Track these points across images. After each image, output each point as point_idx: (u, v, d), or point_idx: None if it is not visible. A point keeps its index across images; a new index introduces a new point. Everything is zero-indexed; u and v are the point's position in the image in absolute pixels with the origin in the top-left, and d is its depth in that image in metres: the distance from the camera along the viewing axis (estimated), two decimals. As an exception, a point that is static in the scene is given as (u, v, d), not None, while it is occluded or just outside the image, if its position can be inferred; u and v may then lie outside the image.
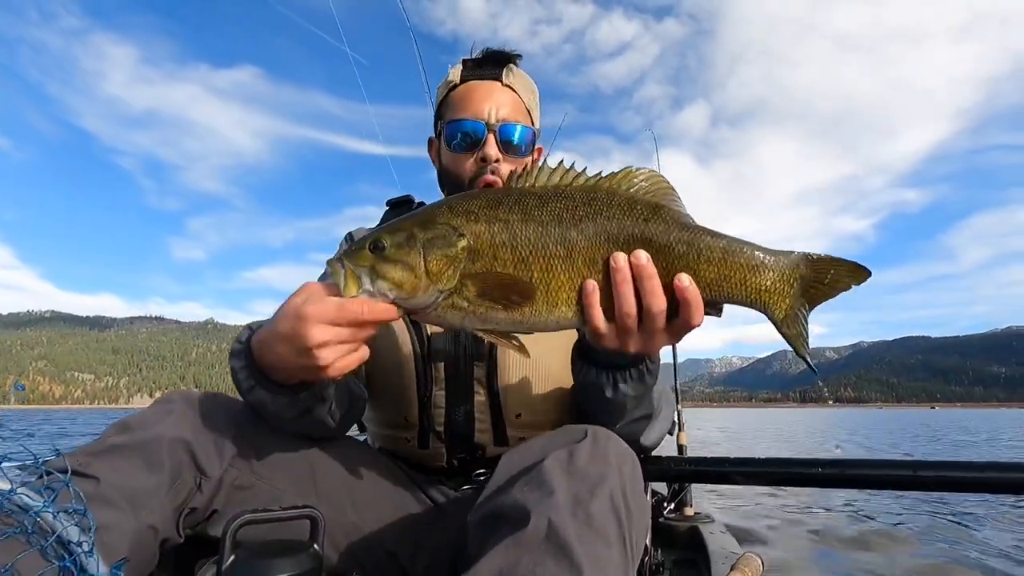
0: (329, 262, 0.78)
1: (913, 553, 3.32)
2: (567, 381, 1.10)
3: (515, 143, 1.15)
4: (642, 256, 0.74)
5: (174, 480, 0.84)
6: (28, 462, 0.69)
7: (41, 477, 0.69)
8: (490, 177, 1.12)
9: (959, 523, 4.15)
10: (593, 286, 0.76)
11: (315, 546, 0.83)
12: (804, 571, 2.88)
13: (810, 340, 0.81)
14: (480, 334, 0.81)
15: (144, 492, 0.79)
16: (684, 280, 0.74)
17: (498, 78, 1.17)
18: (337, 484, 1.02)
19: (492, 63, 1.19)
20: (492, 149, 1.12)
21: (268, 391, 0.85)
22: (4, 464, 0.66)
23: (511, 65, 1.20)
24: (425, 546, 1.07)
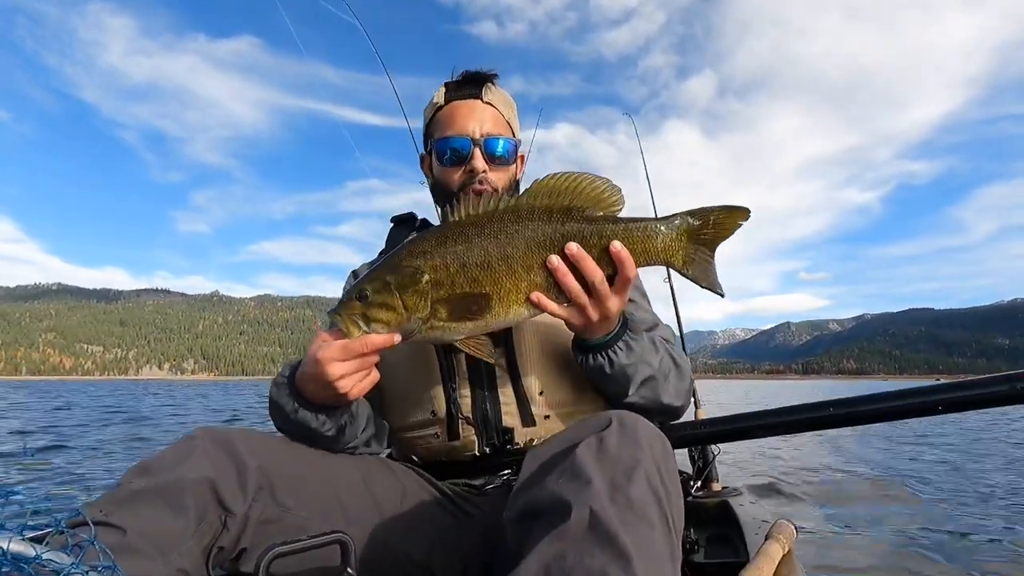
0: (329, 314, 0.97)
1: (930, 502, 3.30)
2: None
3: (499, 154, 1.26)
4: (573, 247, 0.94)
5: (200, 521, 0.84)
6: (51, 526, 0.67)
7: (63, 533, 0.67)
8: (478, 187, 1.24)
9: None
10: (539, 287, 0.97)
11: (348, 570, 0.83)
12: (836, 532, 2.89)
13: (719, 276, 1.01)
14: (460, 344, 1.01)
15: (172, 537, 0.79)
16: (617, 245, 0.95)
17: (478, 97, 1.28)
18: (364, 505, 1.04)
19: (472, 83, 1.30)
20: (479, 162, 1.24)
21: (310, 411, 1.02)
22: (27, 527, 0.65)
23: (489, 84, 1.30)
24: (457, 553, 1.08)
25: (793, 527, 1.28)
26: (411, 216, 1.46)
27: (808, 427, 1.13)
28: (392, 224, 1.45)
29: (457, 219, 0.97)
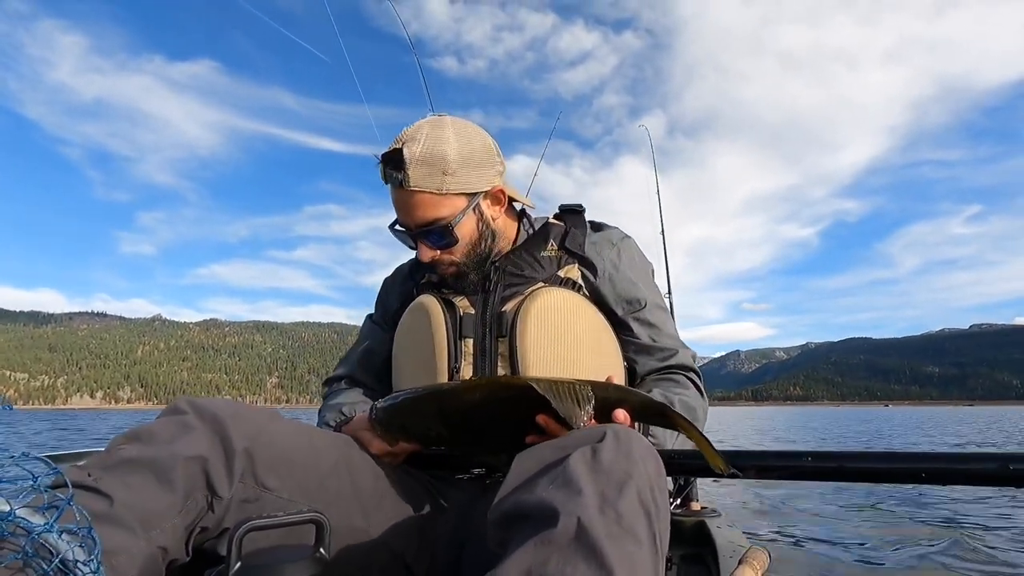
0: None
1: (921, 546, 3.30)
2: (582, 358, 1.19)
3: (440, 243, 1.18)
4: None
5: (186, 500, 0.82)
6: (29, 482, 0.63)
7: (45, 493, 0.64)
8: (442, 268, 1.23)
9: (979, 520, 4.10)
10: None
11: (321, 550, 0.83)
12: (810, 563, 2.82)
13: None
14: None
15: (157, 513, 0.78)
16: (620, 415, 0.91)
17: (401, 184, 1.11)
18: (343, 488, 1.03)
19: (392, 166, 1.11)
20: (424, 254, 1.19)
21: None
22: (7, 481, 0.60)
23: (407, 165, 1.09)
24: (430, 545, 1.08)
25: (767, 555, 1.26)
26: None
27: (809, 476, 1.10)
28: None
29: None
